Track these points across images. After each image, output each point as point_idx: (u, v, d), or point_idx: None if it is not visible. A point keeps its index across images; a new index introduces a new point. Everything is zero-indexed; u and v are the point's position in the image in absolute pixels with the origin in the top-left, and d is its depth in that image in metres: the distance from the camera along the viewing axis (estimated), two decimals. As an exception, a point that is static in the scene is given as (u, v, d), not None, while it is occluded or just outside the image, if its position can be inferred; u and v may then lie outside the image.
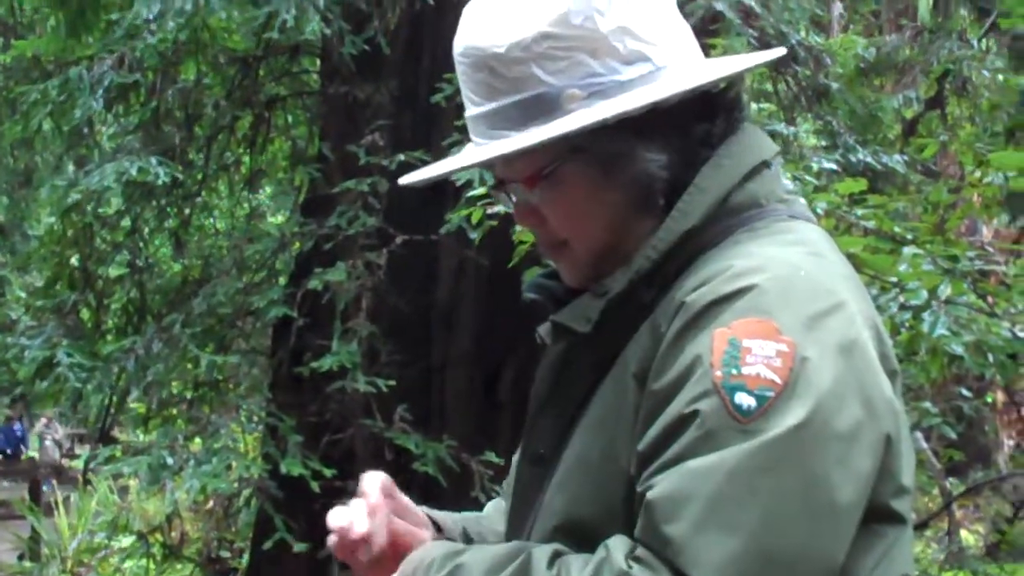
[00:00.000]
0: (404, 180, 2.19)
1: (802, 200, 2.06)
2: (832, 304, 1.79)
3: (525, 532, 2.05)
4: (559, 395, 2.07)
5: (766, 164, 2.02)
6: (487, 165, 2.08)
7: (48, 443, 29.88)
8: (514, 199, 2.10)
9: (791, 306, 1.76)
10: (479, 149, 2.04)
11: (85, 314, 9.76)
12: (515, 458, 2.25)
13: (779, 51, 2.20)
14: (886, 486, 1.82)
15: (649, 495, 1.71)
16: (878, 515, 1.81)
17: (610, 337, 1.96)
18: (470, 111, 2.06)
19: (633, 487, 1.81)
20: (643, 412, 1.82)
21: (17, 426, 31.73)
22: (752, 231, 1.92)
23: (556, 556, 1.84)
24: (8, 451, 31.28)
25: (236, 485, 8.11)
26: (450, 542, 2.12)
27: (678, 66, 1.96)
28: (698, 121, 1.99)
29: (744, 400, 1.70)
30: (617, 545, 1.75)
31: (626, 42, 1.93)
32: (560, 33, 1.93)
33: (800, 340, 1.73)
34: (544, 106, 1.95)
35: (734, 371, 1.72)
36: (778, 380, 1.71)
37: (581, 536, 1.89)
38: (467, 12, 2.07)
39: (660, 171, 1.97)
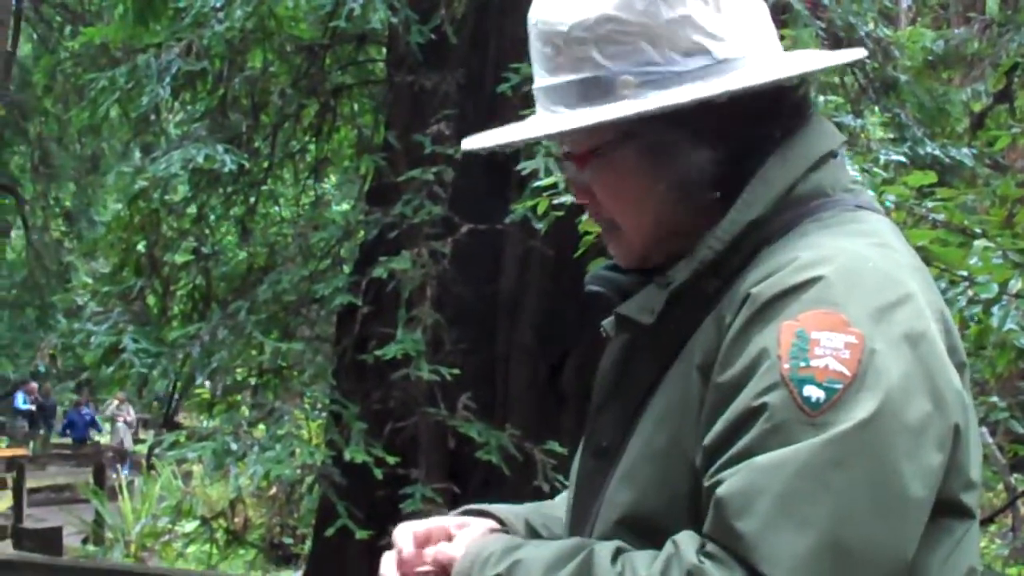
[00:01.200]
0: (466, 144, 2.19)
1: (869, 191, 2.04)
2: (900, 295, 1.77)
3: (588, 525, 2.03)
4: (623, 387, 2.05)
5: (832, 154, 2.00)
6: (537, 141, 2.09)
7: (120, 425, 30.06)
8: (567, 177, 2.11)
9: (859, 297, 1.74)
10: (533, 123, 2.05)
11: (151, 300, 9.84)
12: (579, 450, 2.24)
13: (858, 52, 2.17)
14: (955, 480, 1.79)
15: (719, 491, 1.69)
16: (947, 509, 1.79)
17: (674, 329, 1.94)
18: (536, 82, 2.06)
19: (698, 480, 1.79)
20: (708, 405, 1.80)
21: (86, 410, 31.80)
22: (819, 221, 1.90)
23: (619, 552, 1.81)
24: (77, 435, 31.28)
25: (299, 472, 8.16)
26: (509, 535, 2.09)
27: (743, 62, 1.95)
28: (765, 115, 1.96)
29: (813, 393, 1.67)
30: (686, 540, 1.73)
31: (688, 33, 1.91)
32: (622, 17, 1.91)
33: (869, 332, 1.71)
34: (599, 89, 1.94)
35: (802, 363, 1.69)
36: (847, 372, 1.68)
37: (644, 530, 1.87)
38: None
39: (709, 165, 1.95)
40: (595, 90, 1.96)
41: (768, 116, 1.97)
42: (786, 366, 1.70)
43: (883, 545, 1.65)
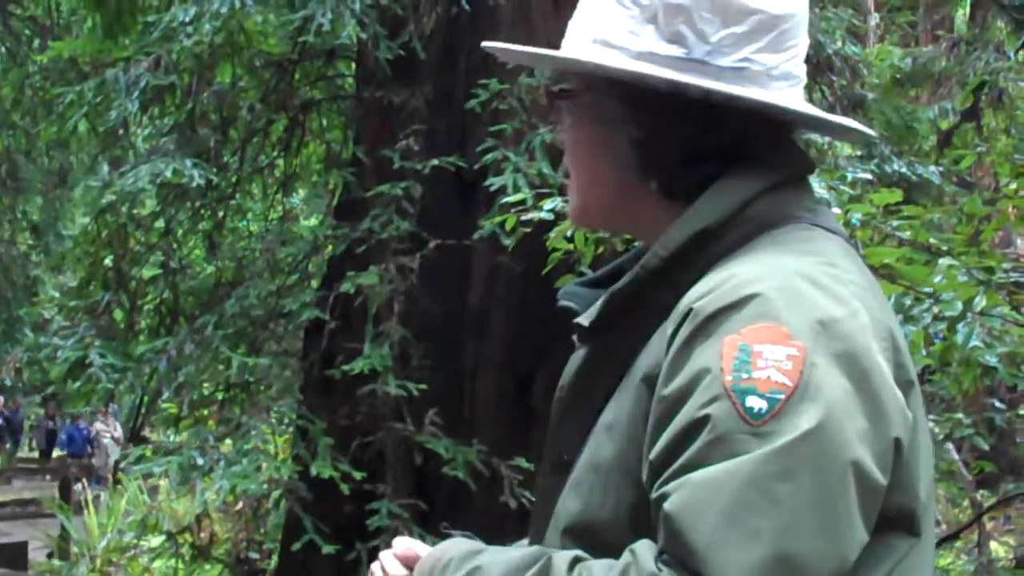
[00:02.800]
0: (487, 44, 2.26)
1: (833, 211, 2.07)
2: (841, 313, 1.78)
3: (543, 537, 2.06)
4: (580, 400, 2.07)
5: (797, 178, 2.04)
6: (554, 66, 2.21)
7: (107, 441, 29.85)
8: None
9: (800, 312, 1.76)
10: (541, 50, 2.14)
11: (118, 315, 9.81)
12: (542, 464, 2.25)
13: (866, 134, 2.22)
14: (896, 496, 1.80)
15: (666, 506, 1.70)
16: (888, 525, 1.80)
17: (625, 340, 1.97)
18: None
19: (642, 493, 1.81)
20: (652, 418, 1.81)
21: (83, 426, 31.40)
22: (771, 237, 1.93)
23: (577, 561, 1.82)
24: (76, 451, 30.87)
25: (266, 486, 8.14)
26: (469, 540, 2.10)
27: (719, 72, 1.97)
28: (716, 126, 2.00)
29: (755, 403, 1.69)
30: (644, 549, 1.75)
31: (678, 22, 1.97)
32: None
33: (811, 345, 1.72)
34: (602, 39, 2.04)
35: (744, 375, 1.71)
36: (789, 383, 1.69)
37: (590, 540, 1.89)
38: None
39: (633, 148, 2.01)
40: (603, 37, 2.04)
41: (720, 129, 2.00)
42: (728, 378, 1.72)
43: (828, 557, 1.67)
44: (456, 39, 8.71)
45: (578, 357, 2.10)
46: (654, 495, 1.75)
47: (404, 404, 7.71)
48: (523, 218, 5.95)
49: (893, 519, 1.81)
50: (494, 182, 7.24)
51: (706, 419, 1.71)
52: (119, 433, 30.68)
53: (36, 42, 27.36)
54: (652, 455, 1.78)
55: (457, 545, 2.03)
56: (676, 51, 1.98)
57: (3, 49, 29.99)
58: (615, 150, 2.03)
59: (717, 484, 1.67)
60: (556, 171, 7.31)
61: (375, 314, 7.83)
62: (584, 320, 2.01)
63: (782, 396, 1.69)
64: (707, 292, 1.82)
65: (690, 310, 1.81)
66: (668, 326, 1.85)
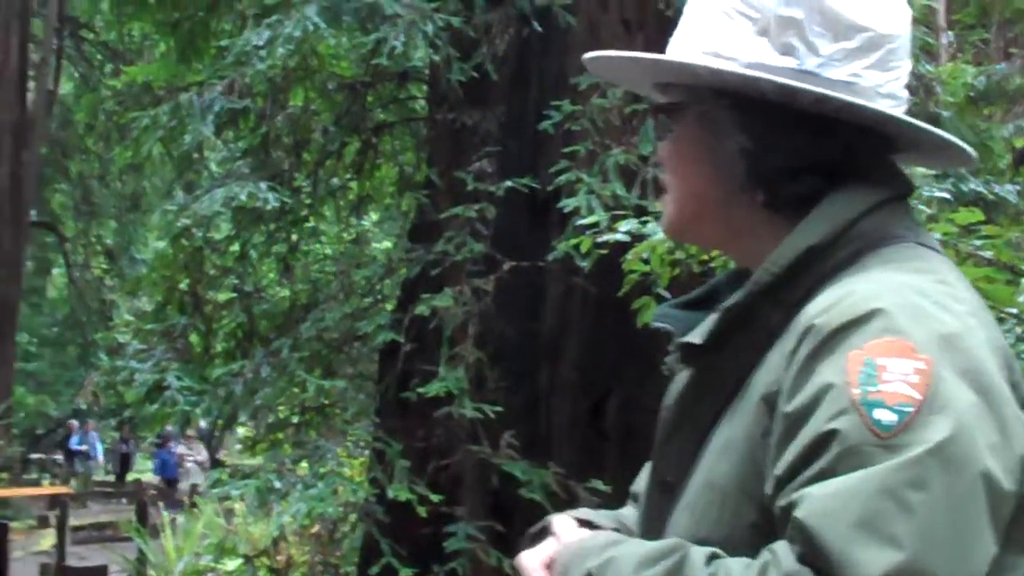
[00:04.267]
0: (587, 56, 2.27)
1: (933, 232, 2.06)
2: (961, 329, 1.78)
3: None
4: (686, 421, 2.06)
5: (901, 197, 2.03)
6: (655, 69, 2.18)
7: (191, 465, 29.91)
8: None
9: (923, 326, 1.75)
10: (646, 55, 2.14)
11: (194, 338, 9.87)
12: (646, 482, 2.24)
13: (971, 156, 2.18)
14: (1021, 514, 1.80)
15: (798, 513, 1.69)
16: (1012, 545, 1.79)
17: (735, 360, 1.96)
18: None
19: (762, 511, 1.80)
20: (776, 435, 1.80)
21: (172, 449, 31.12)
22: (879, 256, 1.92)
23: (714, 556, 1.82)
24: (169, 475, 30.48)
25: (342, 509, 8.15)
26: (610, 532, 2.10)
27: (828, 84, 1.98)
28: (827, 138, 2.00)
29: (884, 416, 1.68)
30: (783, 548, 1.73)
31: (789, 34, 1.97)
32: None
33: (937, 358, 1.71)
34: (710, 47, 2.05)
35: (871, 388, 1.70)
36: (917, 396, 1.68)
37: None
38: None
39: (744, 158, 2.01)
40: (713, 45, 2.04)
41: (829, 141, 2.01)
42: (855, 391, 1.72)
43: (960, 568, 1.65)
44: (528, 61, 8.71)
45: (683, 378, 2.09)
46: (782, 502, 1.74)
47: (480, 426, 7.70)
48: (598, 240, 5.93)
49: (1016, 537, 1.79)
50: (567, 203, 7.22)
51: (834, 432, 1.71)
52: (203, 457, 30.74)
53: (108, 67, 27.68)
54: (779, 470, 1.77)
55: (597, 537, 2.03)
56: (788, 62, 1.98)
57: (76, 74, 30.34)
58: (721, 161, 2.04)
59: (851, 492, 1.66)
60: (630, 192, 7.30)
61: (450, 336, 7.83)
62: (696, 338, 2.00)
63: (911, 409, 1.68)
64: (827, 308, 1.81)
65: (811, 326, 1.80)
66: (787, 343, 1.85)
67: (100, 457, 34.81)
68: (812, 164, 1.99)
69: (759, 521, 1.81)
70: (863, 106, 1.95)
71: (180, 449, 30.29)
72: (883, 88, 2.01)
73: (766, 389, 1.86)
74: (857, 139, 2.00)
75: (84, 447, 33.08)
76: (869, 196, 1.97)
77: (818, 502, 1.67)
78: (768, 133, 2.00)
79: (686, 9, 2.11)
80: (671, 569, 1.82)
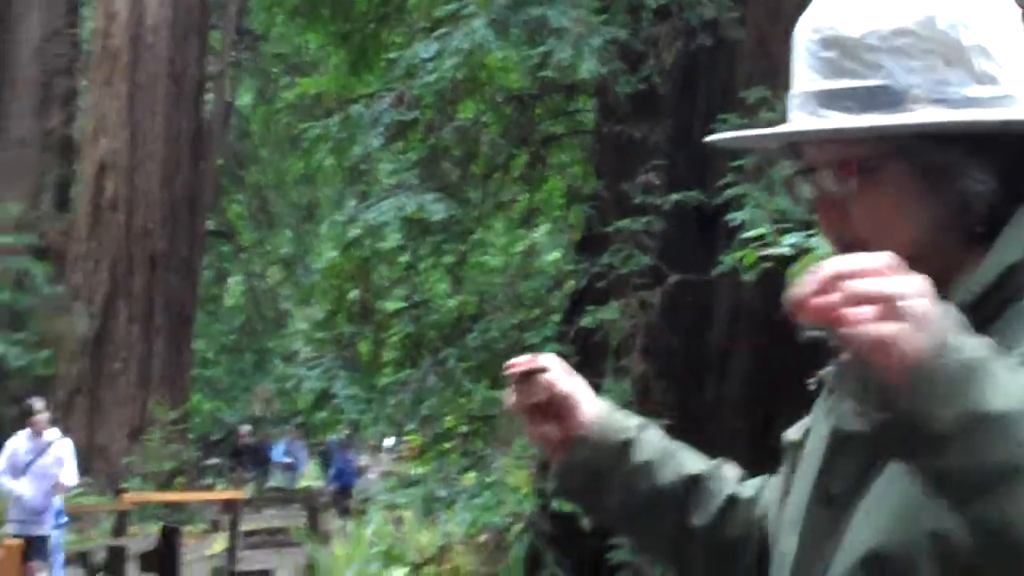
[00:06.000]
0: (710, 138, 2.17)
1: None
2: None
3: (818, 571, 2.02)
4: (857, 436, 2.03)
5: None
6: (804, 139, 2.04)
7: (372, 476, 29.79)
8: (818, 189, 2.06)
9: None
10: (810, 119, 2.02)
11: (363, 347, 9.96)
12: (798, 499, 2.20)
13: None
14: None
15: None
16: None
17: None
18: (804, 86, 2.03)
19: (947, 520, 1.78)
20: None
21: (352, 456, 30.64)
22: None
23: None
24: (347, 482, 30.01)
25: (508, 519, 8.17)
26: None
27: (1020, 100, 1.94)
28: None
29: None
30: None
31: (982, 62, 1.92)
32: (922, 33, 1.90)
33: None
34: (887, 98, 1.91)
35: None
36: None
37: (889, 570, 1.87)
38: None
39: (986, 194, 1.94)
40: (883, 98, 1.91)
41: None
42: None
43: None
44: (695, 73, 8.68)
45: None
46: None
47: (644, 439, 7.67)
48: (763, 253, 5.88)
49: None
50: (735, 217, 7.18)
51: None
52: (384, 465, 30.65)
53: (284, 79, 28.07)
54: None
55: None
56: (993, 91, 1.94)
57: (254, 86, 30.81)
58: (948, 205, 1.96)
59: None
60: (797, 206, 7.23)
61: (616, 348, 7.82)
62: None
63: None
64: None
65: None
66: None
67: (304, 468, 34.80)
68: (1021, 189, 1.95)
69: (939, 531, 1.79)
70: None
71: (362, 461, 30.12)
72: None
73: None
74: None
75: (289, 459, 33.12)
76: None
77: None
78: (991, 169, 1.95)
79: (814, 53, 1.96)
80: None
